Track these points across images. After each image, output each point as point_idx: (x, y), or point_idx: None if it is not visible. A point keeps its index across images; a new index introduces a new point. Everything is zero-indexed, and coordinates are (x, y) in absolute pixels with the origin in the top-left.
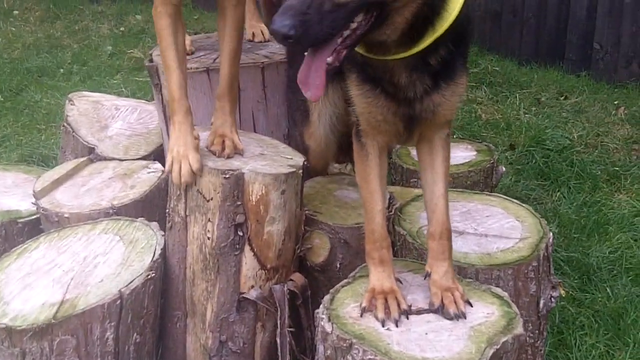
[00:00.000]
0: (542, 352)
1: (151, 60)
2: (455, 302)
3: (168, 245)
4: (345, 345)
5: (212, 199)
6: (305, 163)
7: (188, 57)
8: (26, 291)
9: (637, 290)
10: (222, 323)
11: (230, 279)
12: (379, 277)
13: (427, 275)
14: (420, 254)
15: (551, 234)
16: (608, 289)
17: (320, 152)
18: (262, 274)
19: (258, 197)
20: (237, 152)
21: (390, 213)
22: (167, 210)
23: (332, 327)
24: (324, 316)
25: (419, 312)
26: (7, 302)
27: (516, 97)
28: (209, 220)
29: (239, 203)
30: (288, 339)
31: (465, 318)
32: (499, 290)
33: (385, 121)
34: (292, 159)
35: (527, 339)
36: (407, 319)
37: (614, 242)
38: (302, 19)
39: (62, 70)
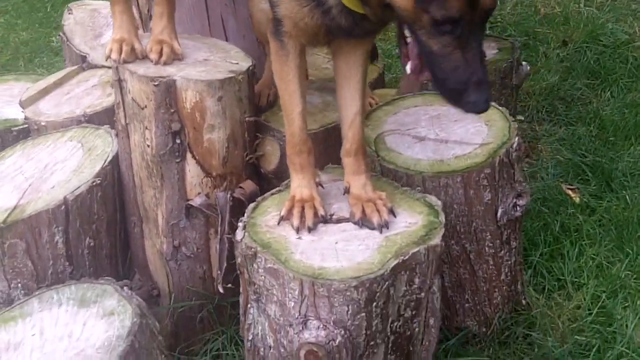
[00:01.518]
0: (509, 262)
1: None
2: (379, 212)
3: (119, 153)
4: (250, 253)
5: (146, 106)
6: (251, 67)
7: None
8: None
9: None
10: (173, 229)
11: (174, 186)
12: (299, 183)
13: (347, 191)
14: (373, 160)
15: (516, 139)
16: (627, 197)
17: (260, 26)
18: (208, 181)
19: (192, 104)
20: (177, 57)
21: None
22: (114, 118)
23: (243, 235)
24: (240, 224)
25: (339, 220)
26: None
27: None
28: (146, 128)
29: (172, 110)
30: (227, 245)
31: (388, 228)
32: (433, 199)
33: (315, 25)
34: (237, 64)
35: (487, 249)
36: (325, 226)
37: None
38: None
39: None
